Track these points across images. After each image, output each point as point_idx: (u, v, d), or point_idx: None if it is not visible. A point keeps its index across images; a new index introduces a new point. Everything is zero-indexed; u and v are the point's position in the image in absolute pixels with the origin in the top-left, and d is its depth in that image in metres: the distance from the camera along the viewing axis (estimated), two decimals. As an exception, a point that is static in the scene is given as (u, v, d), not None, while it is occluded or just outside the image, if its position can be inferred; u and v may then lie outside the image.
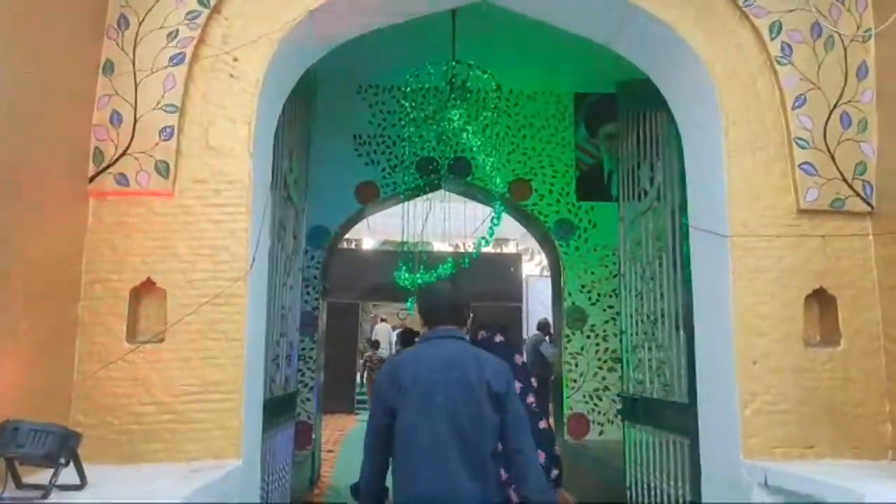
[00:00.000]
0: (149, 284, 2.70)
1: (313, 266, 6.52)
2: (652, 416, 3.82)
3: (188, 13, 2.83)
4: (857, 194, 2.92)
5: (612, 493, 4.87)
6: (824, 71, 2.99)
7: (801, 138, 2.95)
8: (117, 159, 2.74)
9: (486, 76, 5.11)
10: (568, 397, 6.51)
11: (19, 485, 1.94)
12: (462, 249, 14.92)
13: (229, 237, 2.75)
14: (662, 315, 3.75)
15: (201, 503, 2.08)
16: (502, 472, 2.35)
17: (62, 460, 1.90)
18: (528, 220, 7.07)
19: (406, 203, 8.17)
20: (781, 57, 2.99)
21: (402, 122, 6.03)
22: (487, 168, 5.11)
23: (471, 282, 14.06)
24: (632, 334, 4.20)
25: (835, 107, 2.97)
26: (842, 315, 2.86)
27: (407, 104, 5.44)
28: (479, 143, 4.72)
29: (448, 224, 11.41)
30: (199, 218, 2.76)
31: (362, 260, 15.30)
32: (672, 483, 3.53)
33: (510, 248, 16.70)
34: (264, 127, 3.03)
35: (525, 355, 9.37)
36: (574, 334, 6.61)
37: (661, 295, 3.77)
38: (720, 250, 2.97)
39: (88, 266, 2.68)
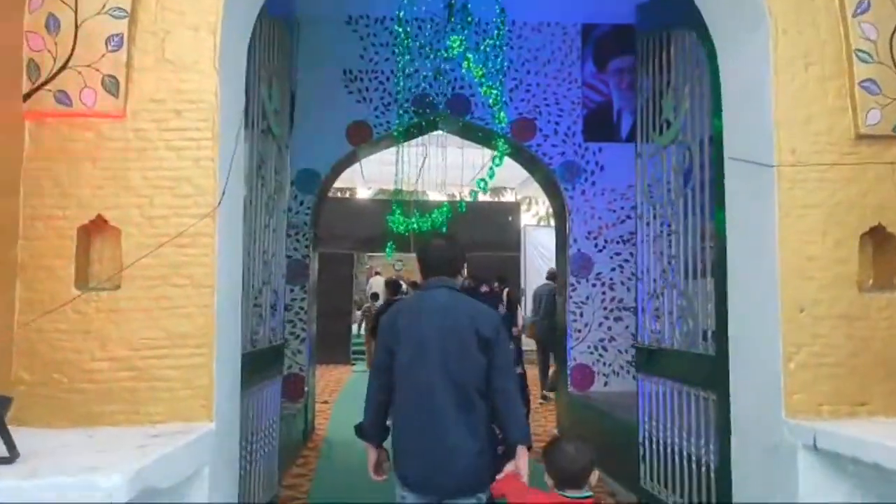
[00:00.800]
0: (100, 222, 2.30)
1: (302, 212, 6.11)
2: (671, 368, 3.50)
3: None
4: (925, 117, 2.51)
5: (620, 448, 4.61)
6: (892, -30, 2.54)
7: (862, 51, 2.52)
8: (56, 73, 2.30)
9: (488, -2, 4.60)
10: (572, 348, 6.22)
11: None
12: (458, 197, 14.52)
13: (193, 167, 2.34)
14: (687, 259, 3.39)
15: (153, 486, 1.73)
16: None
17: (-17, 429, 1.55)
18: (531, 162, 6.64)
19: (400, 146, 7.75)
20: (842, -47, 2.54)
21: (396, 54, 5.52)
22: (491, 101, 4.63)
23: (468, 231, 13.76)
24: (649, 281, 3.85)
25: (903, 13, 2.53)
26: (901, 256, 2.51)
27: (401, 31, 4.93)
28: (480, 73, 4.24)
29: (444, 173, 10.96)
30: (157, 144, 2.34)
31: (356, 210, 14.88)
32: (693, 441, 3.24)
33: (508, 197, 16.28)
34: (234, 39, 2.58)
35: (534, 303, 9.04)
36: (579, 283, 6.27)
37: (686, 237, 3.40)
38: (763, 183, 2.58)
39: (27, 200, 2.28)
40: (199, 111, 2.35)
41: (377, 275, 16.06)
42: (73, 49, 2.31)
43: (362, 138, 6.18)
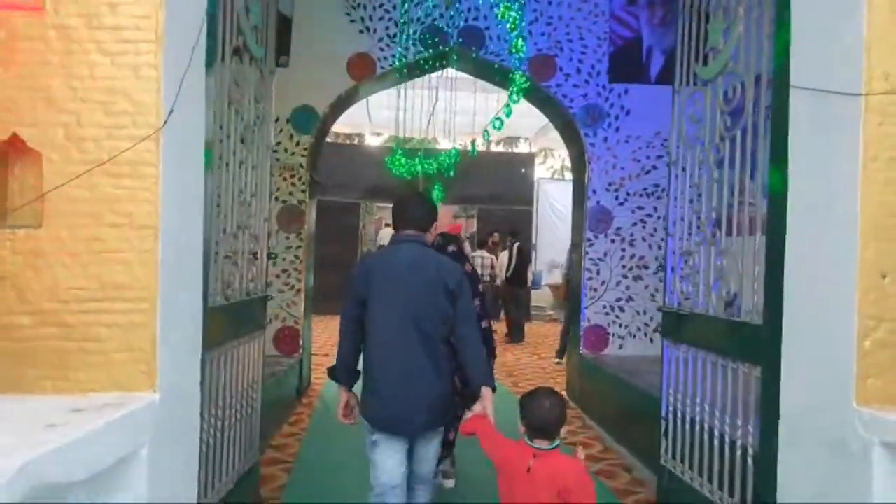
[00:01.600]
0: (16, 143, 1.85)
1: (298, 153, 5.63)
2: (704, 336, 3.07)
3: None
4: None
5: (638, 419, 4.24)
6: None
7: None
8: (-45, -49, 1.81)
9: None
10: (586, 308, 5.80)
11: None
12: (469, 147, 13.90)
13: (131, 77, 1.87)
14: (730, 212, 2.90)
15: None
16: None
17: None
18: (549, 105, 6.07)
19: (407, 84, 7.18)
20: None
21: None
22: (508, 25, 4.06)
23: (479, 182, 13.24)
24: (682, 237, 3.37)
25: None
26: None
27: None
28: (496, -2, 3.67)
29: (454, 119, 10.33)
30: (87, 47, 1.86)
31: (365, 157, 14.33)
32: (728, 421, 2.83)
33: (522, 148, 15.63)
34: (190, -80, 2.06)
35: (568, 260, 8.51)
36: (597, 238, 5.80)
37: (732, 186, 2.90)
38: (843, 119, 2.06)
39: (-77, 114, 1.83)
40: (138, 5, 1.86)
41: (387, 226, 15.60)
42: (-24, -80, 1.81)
43: (365, 73, 5.64)
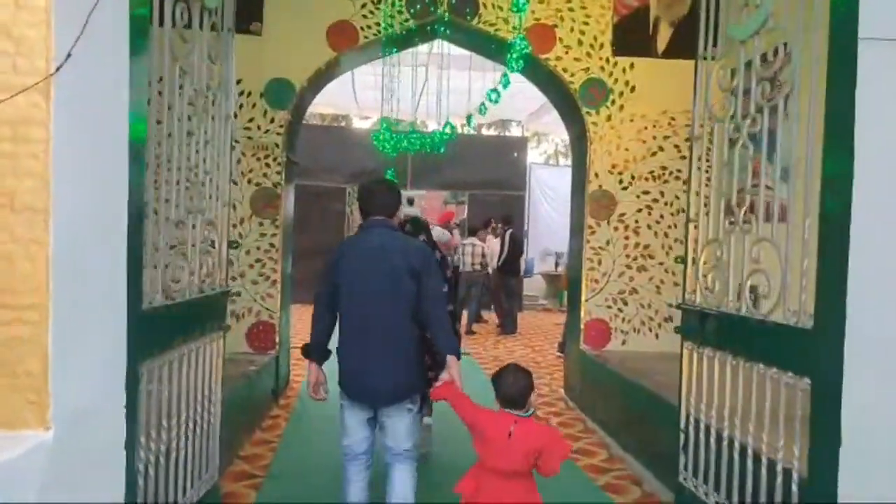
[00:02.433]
0: None
1: (273, 131, 5.12)
2: (734, 338, 2.64)
3: None
4: None
5: (651, 428, 3.83)
6: None
7: None
8: None
9: None
10: (586, 300, 5.37)
11: None
12: (460, 130, 13.38)
13: (11, 6, 1.39)
14: (770, 194, 2.47)
15: None
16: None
17: None
18: (547, 81, 5.59)
19: (395, 62, 6.68)
20: None
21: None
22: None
23: (469, 167, 12.75)
24: (706, 223, 2.94)
25: None
26: None
27: None
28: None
29: (446, 100, 9.81)
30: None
31: (351, 140, 13.74)
32: (765, 439, 2.41)
33: (515, 132, 15.15)
34: None
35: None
36: (598, 225, 5.36)
37: (771, 162, 2.47)
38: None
39: None
40: None
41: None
42: None
43: (346, 42, 5.12)
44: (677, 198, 5.32)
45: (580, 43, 5.26)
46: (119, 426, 1.77)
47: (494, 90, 4.25)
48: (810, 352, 2.16)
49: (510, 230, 9.92)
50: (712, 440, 2.80)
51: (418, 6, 5.06)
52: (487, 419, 2.37)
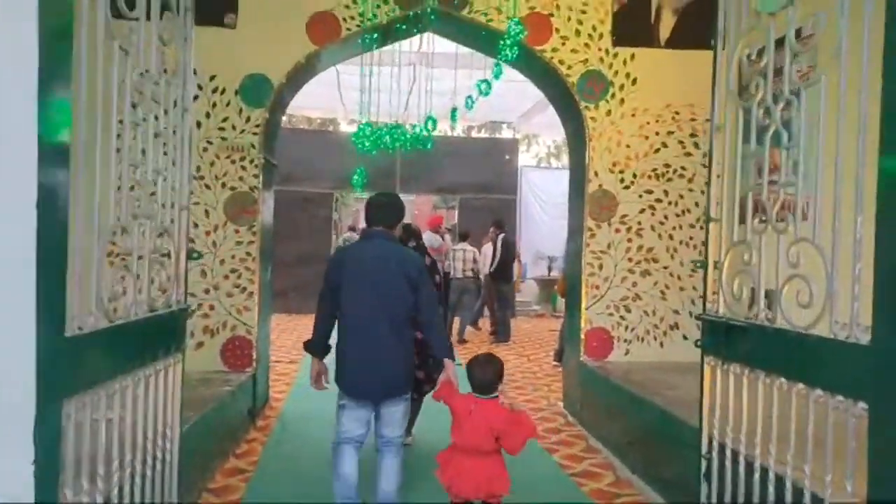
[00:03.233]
0: None
1: (249, 131, 4.76)
2: (768, 354, 2.31)
3: None
4: None
5: (665, 451, 3.49)
6: None
7: None
8: None
9: None
10: (587, 308, 5.03)
11: None
12: (450, 133, 13.03)
13: None
14: (808, 190, 2.14)
15: None
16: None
17: None
18: (542, 74, 5.26)
19: (379, 61, 6.34)
20: None
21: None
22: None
23: (459, 170, 12.44)
24: (729, 222, 2.61)
25: None
26: None
27: None
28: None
29: (428, 100, 9.43)
30: None
31: (338, 144, 13.29)
32: (807, 470, 2.08)
33: (506, 134, 14.82)
34: None
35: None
36: (599, 227, 5.03)
37: (807, 154, 2.14)
38: None
39: None
40: None
41: (350, 230, 14.42)
42: None
43: (328, 35, 4.78)
44: (682, 197, 5.01)
45: (578, 33, 4.94)
46: (25, 483, 1.41)
47: (485, 80, 3.92)
48: (867, 371, 1.83)
49: (502, 235, 9.57)
50: (740, 468, 2.46)
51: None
52: (457, 401, 2.78)
